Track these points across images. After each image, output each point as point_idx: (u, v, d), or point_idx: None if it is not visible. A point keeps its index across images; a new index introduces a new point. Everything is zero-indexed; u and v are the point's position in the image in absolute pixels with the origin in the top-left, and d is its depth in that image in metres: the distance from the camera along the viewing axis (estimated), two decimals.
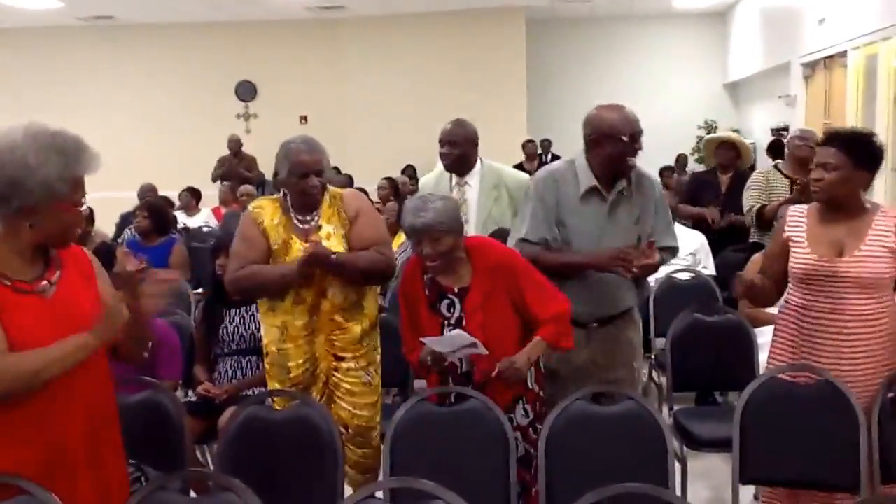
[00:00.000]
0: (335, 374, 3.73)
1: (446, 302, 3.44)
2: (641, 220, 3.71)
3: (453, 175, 4.73)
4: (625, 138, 3.56)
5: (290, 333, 3.69)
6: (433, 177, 4.90)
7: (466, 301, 3.40)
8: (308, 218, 3.71)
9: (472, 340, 3.28)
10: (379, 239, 3.75)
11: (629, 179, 3.67)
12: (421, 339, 3.38)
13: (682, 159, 13.08)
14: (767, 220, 5.68)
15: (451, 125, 4.73)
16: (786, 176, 5.84)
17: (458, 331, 3.34)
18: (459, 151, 4.66)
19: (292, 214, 3.72)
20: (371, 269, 3.66)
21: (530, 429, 3.47)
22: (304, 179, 3.63)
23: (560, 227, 3.65)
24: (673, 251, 3.89)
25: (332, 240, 3.65)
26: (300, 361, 3.70)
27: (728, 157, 6.75)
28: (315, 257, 3.52)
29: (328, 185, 3.78)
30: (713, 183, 6.72)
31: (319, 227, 3.69)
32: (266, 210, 3.75)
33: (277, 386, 3.75)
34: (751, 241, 5.98)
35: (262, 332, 3.83)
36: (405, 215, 3.36)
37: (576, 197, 3.65)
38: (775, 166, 6.01)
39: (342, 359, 3.73)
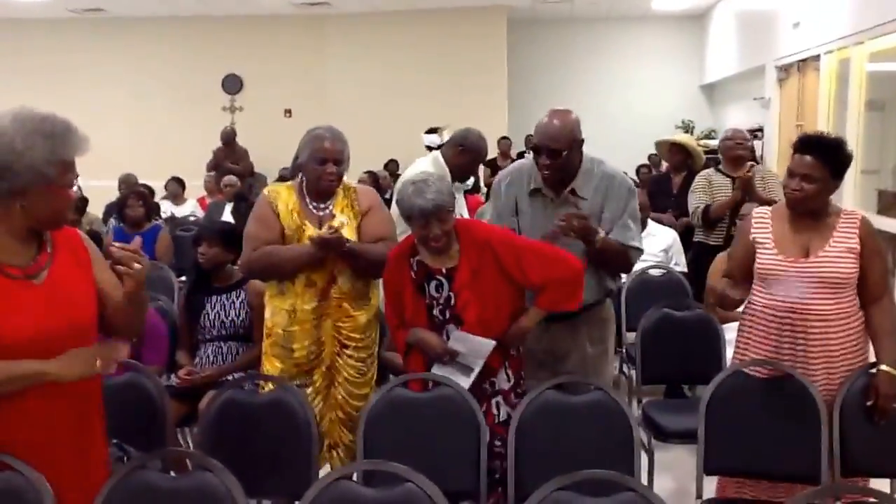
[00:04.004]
0: (338, 359, 3.80)
1: (434, 283, 3.49)
2: (605, 217, 3.67)
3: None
4: (537, 150, 3.63)
5: (299, 317, 3.75)
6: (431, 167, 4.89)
7: (455, 280, 3.44)
8: (322, 205, 3.78)
9: (492, 345, 3.41)
10: (388, 235, 3.82)
11: (587, 178, 3.68)
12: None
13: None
14: (713, 218, 5.84)
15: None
16: (726, 175, 5.96)
17: (490, 341, 3.41)
18: None
19: (307, 200, 3.79)
20: (380, 262, 3.68)
21: (512, 393, 3.56)
22: (323, 166, 3.69)
23: (519, 219, 3.73)
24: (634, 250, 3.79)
25: (344, 230, 3.70)
26: (305, 343, 3.77)
27: (677, 159, 6.88)
28: (329, 243, 3.57)
29: (344, 176, 3.83)
30: (666, 185, 6.85)
31: (333, 216, 3.75)
32: (281, 195, 3.81)
33: (279, 366, 3.80)
34: (695, 240, 6.09)
35: (268, 314, 3.87)
36: (408, 199, 3.36)
37: (526, 194, 3.73)
38: (716, 168, 6.12)
39: (346, 346, 3.80)
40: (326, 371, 3.82)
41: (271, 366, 3.84)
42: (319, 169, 3.70)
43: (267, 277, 3.93)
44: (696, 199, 5.95)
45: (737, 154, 5.97)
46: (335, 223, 3.72)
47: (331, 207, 3.79)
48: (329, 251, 3.62)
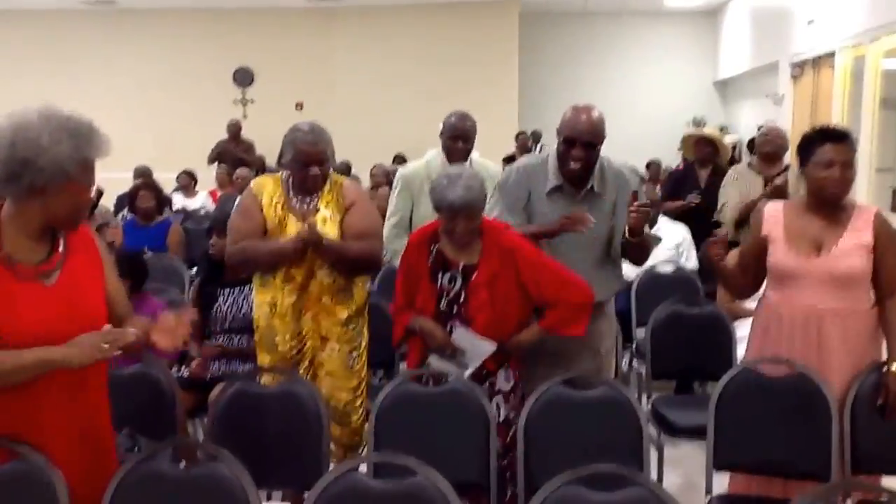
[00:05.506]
0: (321, 353, 3.81)
1: (448, 275, 3.49)
2: (617, 212, 3.72)
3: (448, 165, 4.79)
4: (570, 142, 3.60)
5: (279, 310, 3.77)
6: (422, 165, 4.92)
7: (472, 278, 3.45)
8: (307, 200, 3.78)
9: (492, 349, 3.42)
10: (370, 231, 3.80)
11: (602, 175, 3.71)
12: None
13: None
14: (740, 218, 5.78)
15: (463, 121, 4.76)
16: (758, 172, 5.94)
17: (491, 344, 3.43)
18: (470, 147, 4.76)
19: (292, 195, 3.79)
20: (359, 260, 3.73)
21: (511, 393, 3.56)
22: (306, 169, 3.69)
23: (532, 218, 3.71)
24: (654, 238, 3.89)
25: (327, 224, 3.71)
26: (287, 337, 3.78)
27: (705, 153, 6.88)
28: (308, 242, 3.59)
29: (330, 171, 3.83)
30: (692, 177, 6.86)
31: (317, 210, 3.76)
32: (267, 187, 3.82)
33: (267, 358, 3.83)
34: (728, 239, 6.06)
35: (254, 307, 3.91)
36: (440, 191, 3.37)
37: (544, 192, 3.71)
38: (748, 164, 6.13)
39: (326, 340, 3.80)
40: (309, 365, 3.82)
41: (262, 359, 3.87)
42: (303, 171, 3.71)
43: (244, 271, 4.00)
44: (724, 196, 5.95)
45: (764, 151, 5.97)
46: (318, 217, 3.73)
47: (315, 202, 3.79)
48: (308, 247, 3.63)
